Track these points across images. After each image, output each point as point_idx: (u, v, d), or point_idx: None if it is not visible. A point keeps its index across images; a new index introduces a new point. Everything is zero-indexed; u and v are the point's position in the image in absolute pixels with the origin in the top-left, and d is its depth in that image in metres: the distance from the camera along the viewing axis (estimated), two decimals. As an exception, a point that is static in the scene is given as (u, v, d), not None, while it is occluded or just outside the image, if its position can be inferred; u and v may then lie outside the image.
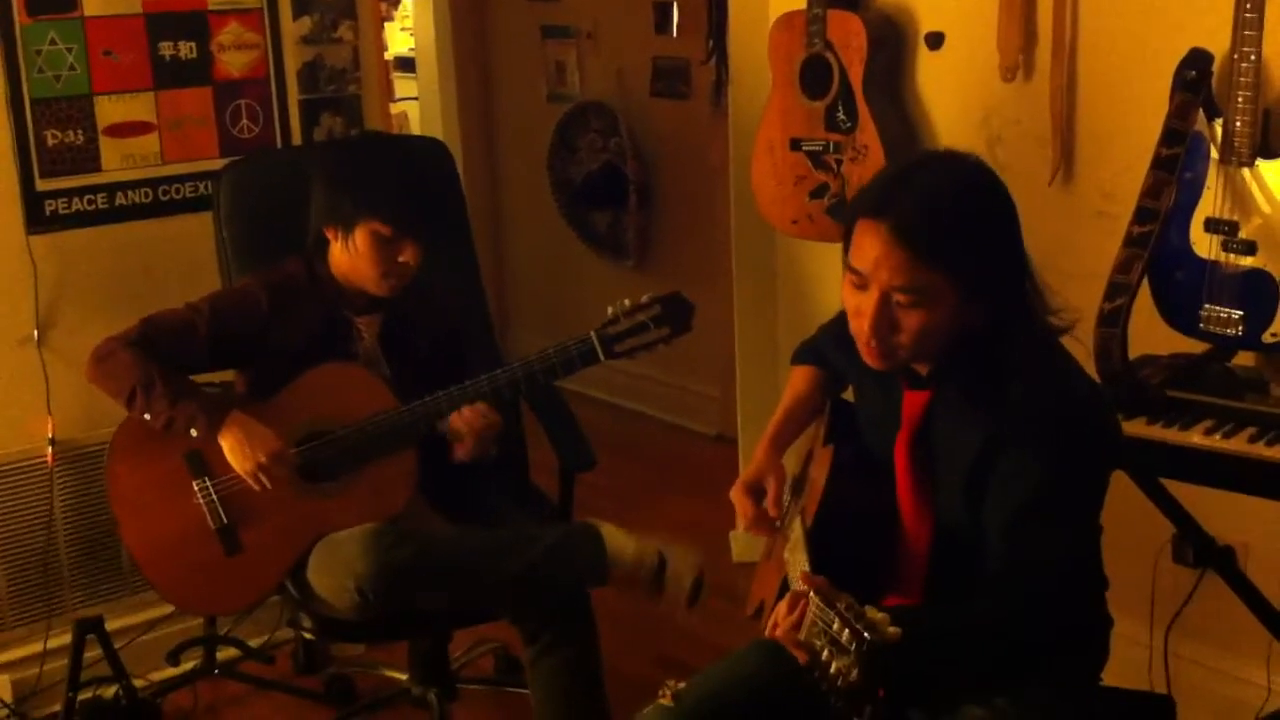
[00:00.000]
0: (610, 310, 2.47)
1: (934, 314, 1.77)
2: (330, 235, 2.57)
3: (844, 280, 1.84)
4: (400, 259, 2.52)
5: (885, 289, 1.77)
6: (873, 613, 1.55)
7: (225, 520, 2.51)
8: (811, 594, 1.64)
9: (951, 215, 1.77)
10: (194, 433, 2.48)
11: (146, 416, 2.49)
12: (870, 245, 1.77)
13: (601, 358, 2.46)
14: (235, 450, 2.47)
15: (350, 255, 2.55)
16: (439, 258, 2.67)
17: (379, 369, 2.62)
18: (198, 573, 2.53)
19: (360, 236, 2.52)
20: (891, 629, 1.52)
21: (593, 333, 2.46)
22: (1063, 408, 1.80)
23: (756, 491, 2.12)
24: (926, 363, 1.87)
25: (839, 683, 1.54)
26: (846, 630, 1.54)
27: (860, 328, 1.82)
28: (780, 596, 1.89)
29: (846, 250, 1.83)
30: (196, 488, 2.52)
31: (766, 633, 1.77)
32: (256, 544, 2.52)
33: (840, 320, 1.92)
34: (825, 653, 1.58)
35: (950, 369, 1.85)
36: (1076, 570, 1.85)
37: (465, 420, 2.49)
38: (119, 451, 2.57)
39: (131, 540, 2.57)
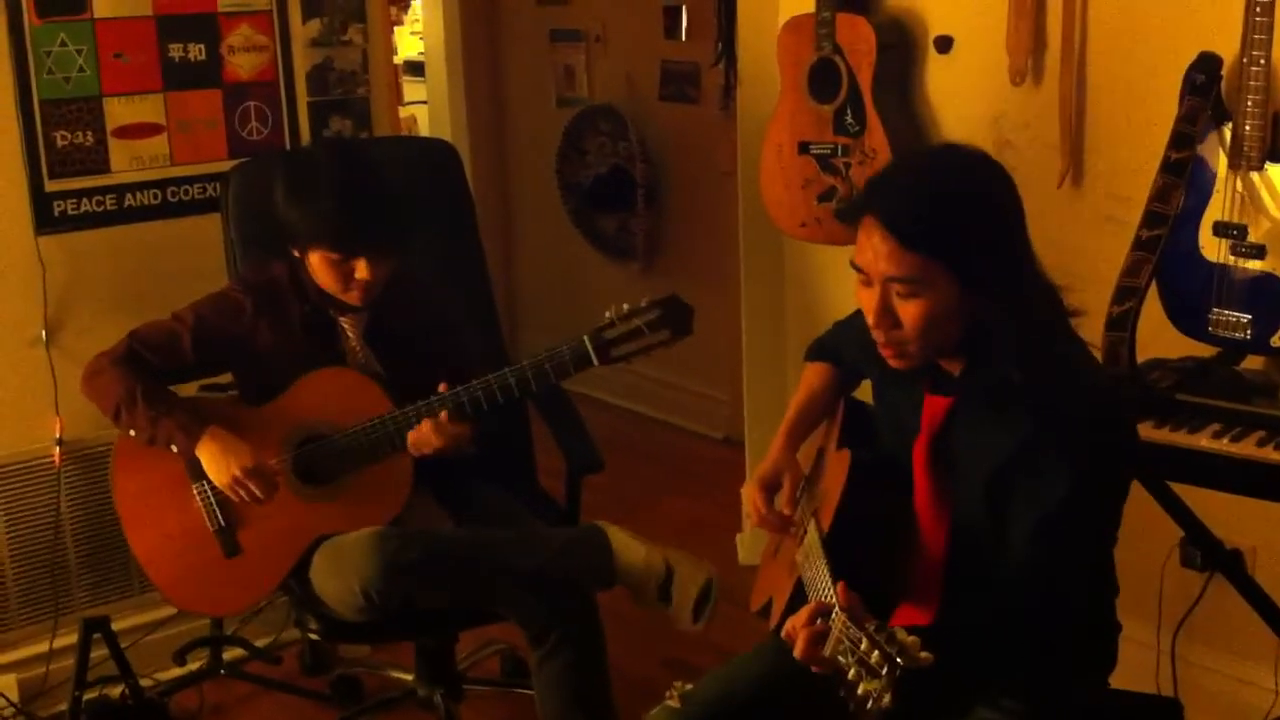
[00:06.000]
0: (607, 314, 2.42)
1: (932, 304, 1.77)
2: (295, 253, 2.58)
3: (856, 282, 1.84)
4: (356, 276, 2.52)
5: (883, 281, 1.78)
6: (903, 636, 1.53)
7: (224, 522, 2.54)
8: (837, 611, 1.62)
9: (938, 201, 1.77)
10: (174, 448, 2.52)
11: (132, 432, 2.55)
12: (866, 239, 1.79)
13: (595, 361, 2.40)
14: (212, 464, 2.50)
15: (313, 272, 2.57)
16: (437, 259, 2.63)
17: (370, 366, 2.62)
18: (198, 574, 2.56)
19: (314, 259, 2.54)
20: (924, 654, 1.50)
21: (585, 336, 2.41)
22: (1095, 415, 1.80)
23: (771, 488, 2.12)
24: (953, 362, 1.87)
25: (868, 705, 1.52)
26: (877, 652, 1.52)
27: (870, 326, 1.82)
28: (794, 599, 1.88)
29: None
30: (195, 490, 2.55)
31: (782, 636, 1.75)
32: (255, 546, 2.54)
33: (858, 319, 1.92)
34: (852, 672, 1.55)
35: (976, 374, 1.84)
36: (1097, 575, 1.85)
37: (421, 438, 2.47)
38: (123, 453, 2.61)
39: (135, 540, 2.60)
